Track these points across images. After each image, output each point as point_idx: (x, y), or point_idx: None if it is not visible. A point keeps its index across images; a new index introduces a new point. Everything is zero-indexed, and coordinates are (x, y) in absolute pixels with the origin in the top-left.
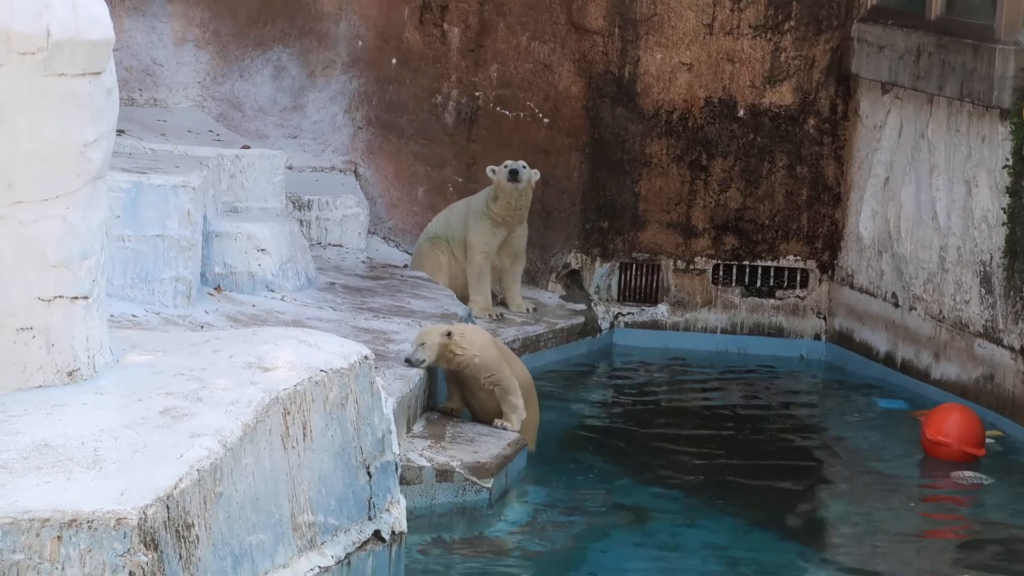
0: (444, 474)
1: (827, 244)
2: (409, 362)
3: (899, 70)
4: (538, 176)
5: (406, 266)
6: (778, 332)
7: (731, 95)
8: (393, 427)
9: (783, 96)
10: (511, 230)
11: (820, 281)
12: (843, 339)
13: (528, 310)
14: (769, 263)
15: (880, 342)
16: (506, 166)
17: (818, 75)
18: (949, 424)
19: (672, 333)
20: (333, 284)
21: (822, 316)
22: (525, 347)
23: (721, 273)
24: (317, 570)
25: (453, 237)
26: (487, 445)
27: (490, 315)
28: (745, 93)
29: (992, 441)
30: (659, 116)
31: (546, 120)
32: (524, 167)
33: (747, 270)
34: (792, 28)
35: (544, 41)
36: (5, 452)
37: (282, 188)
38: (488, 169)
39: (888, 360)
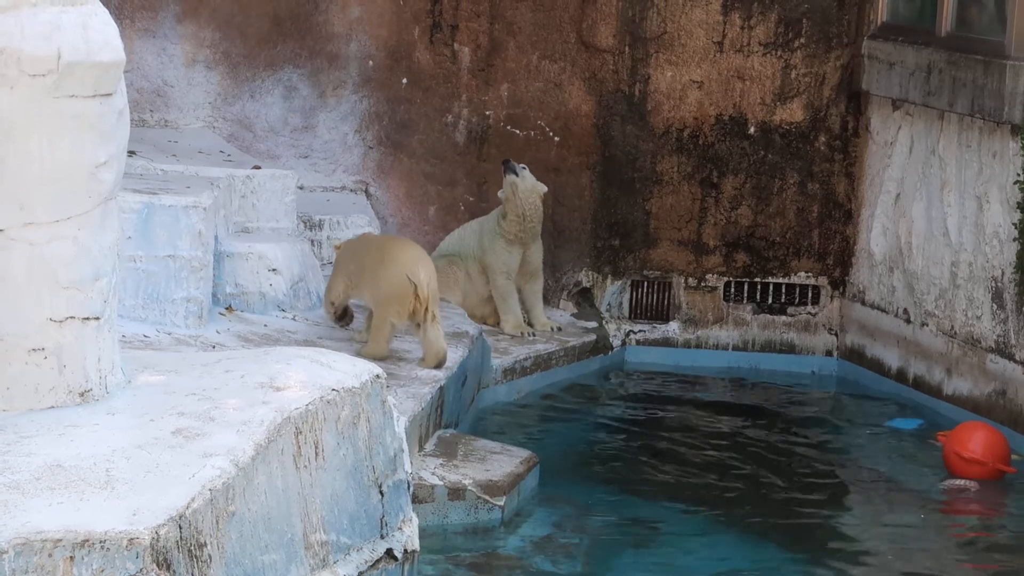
0: (456, 492)
1: (838, 261)
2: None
3: (910, 86)
4: (545, 190)
5: None
6: (790, 349)
7: (741, 112)
8: (405, 446)
9: (794, 113)
10: (526, 248)
11: (832, 298)
12: (855, 355)
13: (553, 329)
14: (780, 280)
15: (892, 358)
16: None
17: (828, 92)
18: (980, 442)
19: (684, 350)
20: None
21: (834, 332)
22: (537, 365)
23: (732, 290)
24: None
25: (467, 256)
26: (499, 463)
27: (523, 332)
28: (755, 110)
29: (1017, 458)
30: (670, 134)
31: (556, 139)
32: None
33: (758, 287)
34: (802, 45)
35: (554, 60)
36: (18, 473)
37: (293, 208)
38: (499, 193)
39: (900, 376)
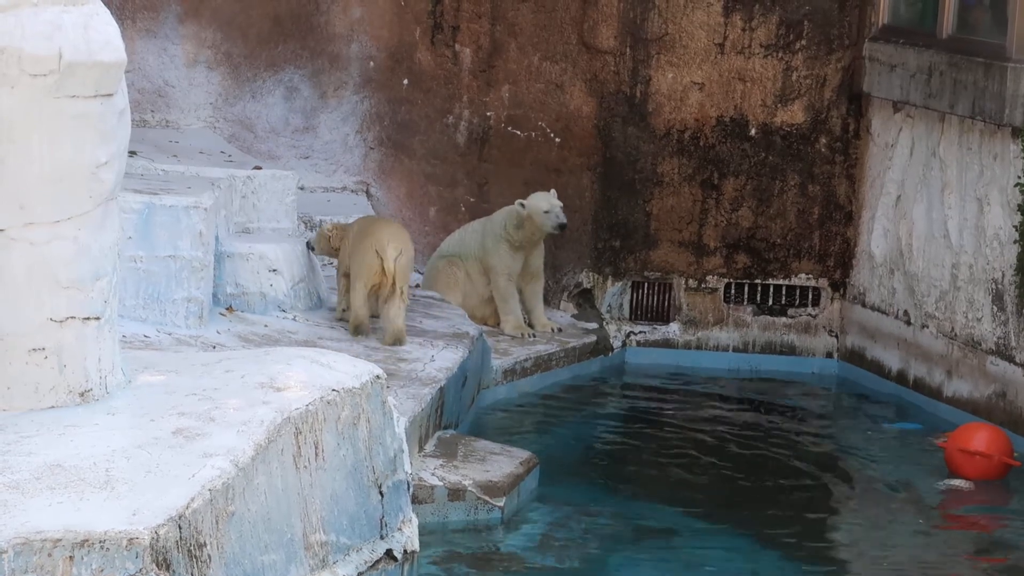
0: (456, 493)
1: (839, 262)
2: (308, 245)
3: (911, 88)
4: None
5: (418, 286)
6: (790, 350)
7: (743, 114)
8: (405, 446)
9: (794, 115)
10: (529, 252)
11: (832, 299)
12: (855, 357)
13: (553, 330)
14: (781, 281)
15: (892, 360)
16: (548, 212)
17: (829, 94)
18: (984, 437)
19: (684, 352)
20: None
21: (834, 334)
22: (537, 366)
23: (733, 292)
24: None
25: (467, 256)
26: (499, 464)
27: (523, 333)
28: (756, 112)
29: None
30: (671, 135)
31: (557, 140)
32: (562, 208)
33: (759, 288)
34: (803, 47)
35: (555, 61)
36: (18, 472)
37: (294, 208)
38: (517, 203)
39: (900, 378)
